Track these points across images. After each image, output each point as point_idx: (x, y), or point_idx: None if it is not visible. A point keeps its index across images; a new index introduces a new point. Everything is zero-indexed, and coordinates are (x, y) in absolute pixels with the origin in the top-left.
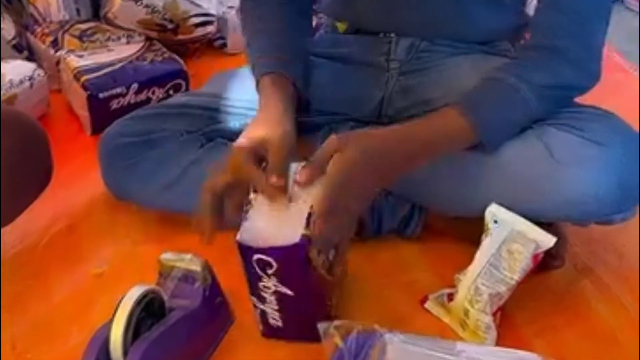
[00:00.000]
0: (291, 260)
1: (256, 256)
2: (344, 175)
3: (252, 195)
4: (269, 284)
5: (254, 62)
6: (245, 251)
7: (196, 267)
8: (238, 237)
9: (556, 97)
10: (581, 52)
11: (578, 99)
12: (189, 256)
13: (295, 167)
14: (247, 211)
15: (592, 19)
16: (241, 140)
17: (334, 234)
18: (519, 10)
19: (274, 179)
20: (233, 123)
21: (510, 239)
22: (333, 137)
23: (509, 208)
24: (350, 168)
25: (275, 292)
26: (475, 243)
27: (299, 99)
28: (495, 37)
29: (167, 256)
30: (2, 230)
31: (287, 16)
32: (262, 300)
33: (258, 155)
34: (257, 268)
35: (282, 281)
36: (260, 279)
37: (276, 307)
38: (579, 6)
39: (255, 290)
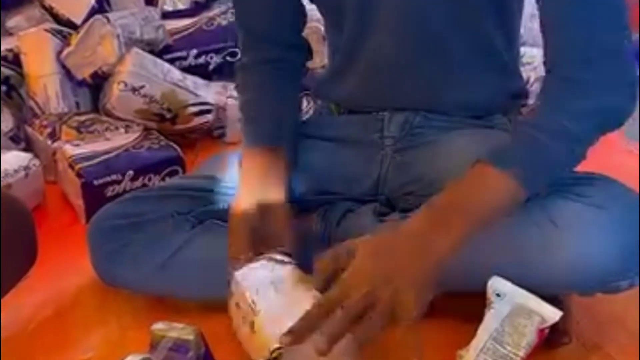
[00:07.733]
0: None
1: None
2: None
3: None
4: None
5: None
6: None
7: (189, 335)
8: None
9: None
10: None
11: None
12: (180, 325)
13: None
14: None
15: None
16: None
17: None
18: (518, 73)
19: None
20: (226, 204)
21: (513, 313)
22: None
23: (510, 280)
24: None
25: None
26: (478, 320)
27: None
28: (492, 108)
29: (159, 326)
30: None
31: (282, 89)
32: None
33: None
34: None
35: None
36: None
37: None
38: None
39: None
